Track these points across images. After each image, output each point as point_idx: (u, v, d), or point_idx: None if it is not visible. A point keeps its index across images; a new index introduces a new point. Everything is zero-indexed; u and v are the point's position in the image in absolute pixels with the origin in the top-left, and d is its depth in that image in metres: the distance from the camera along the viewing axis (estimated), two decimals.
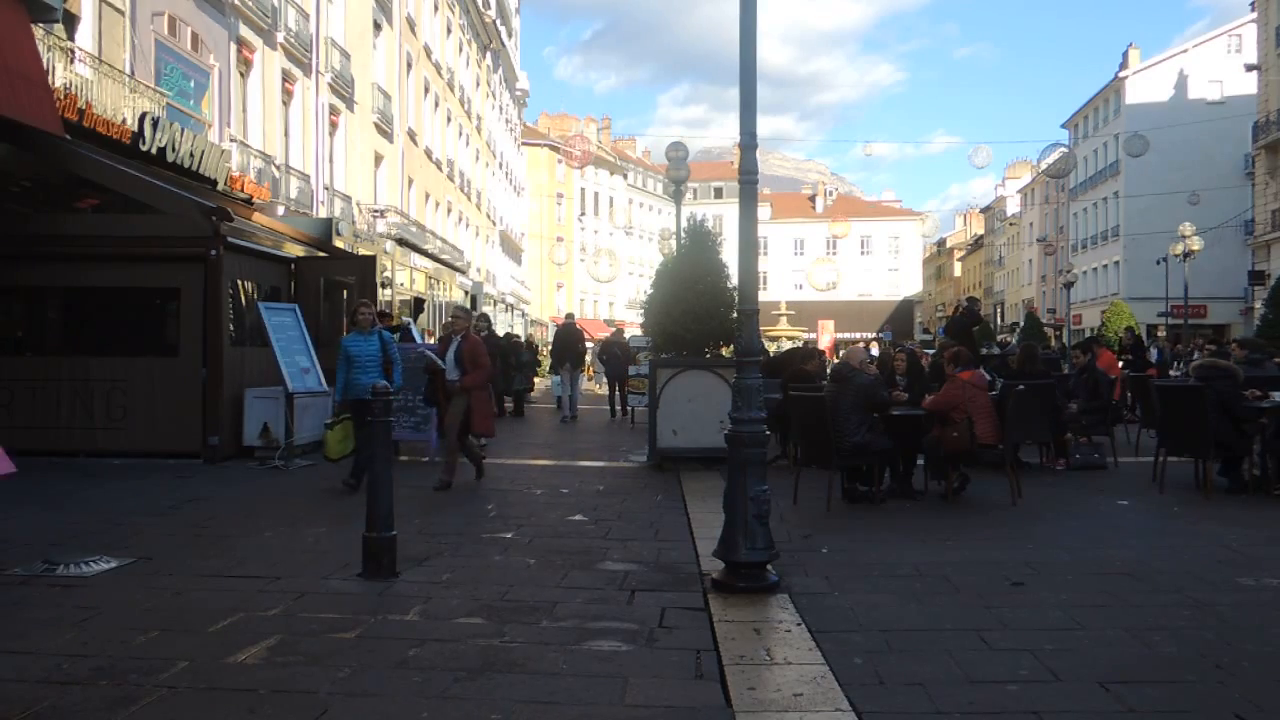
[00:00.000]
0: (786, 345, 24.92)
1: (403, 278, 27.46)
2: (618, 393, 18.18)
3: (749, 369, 5.42)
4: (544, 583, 5.36)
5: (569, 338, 18.84)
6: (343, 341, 9.03)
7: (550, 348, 24.74)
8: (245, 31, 18.93)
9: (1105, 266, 54.95)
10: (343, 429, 8.67)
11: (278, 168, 20.24)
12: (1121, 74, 52.65)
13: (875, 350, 20.95)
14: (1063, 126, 63.23)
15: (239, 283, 11.34)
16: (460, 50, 38.07)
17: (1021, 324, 53.56)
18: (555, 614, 4.73)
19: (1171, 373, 18.12)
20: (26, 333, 11.89)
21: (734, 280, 9.93)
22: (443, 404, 9.08)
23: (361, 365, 8.68)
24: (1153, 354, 21.55)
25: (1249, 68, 41.59)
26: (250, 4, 18.71)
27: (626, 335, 22.34)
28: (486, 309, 37.46)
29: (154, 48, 15.43)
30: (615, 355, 18.54)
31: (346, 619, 4.60)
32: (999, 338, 41.11)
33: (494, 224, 47.30)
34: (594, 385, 26.20)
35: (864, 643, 4.32)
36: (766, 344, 22.84)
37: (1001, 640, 4.36)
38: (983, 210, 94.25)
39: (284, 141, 21.32)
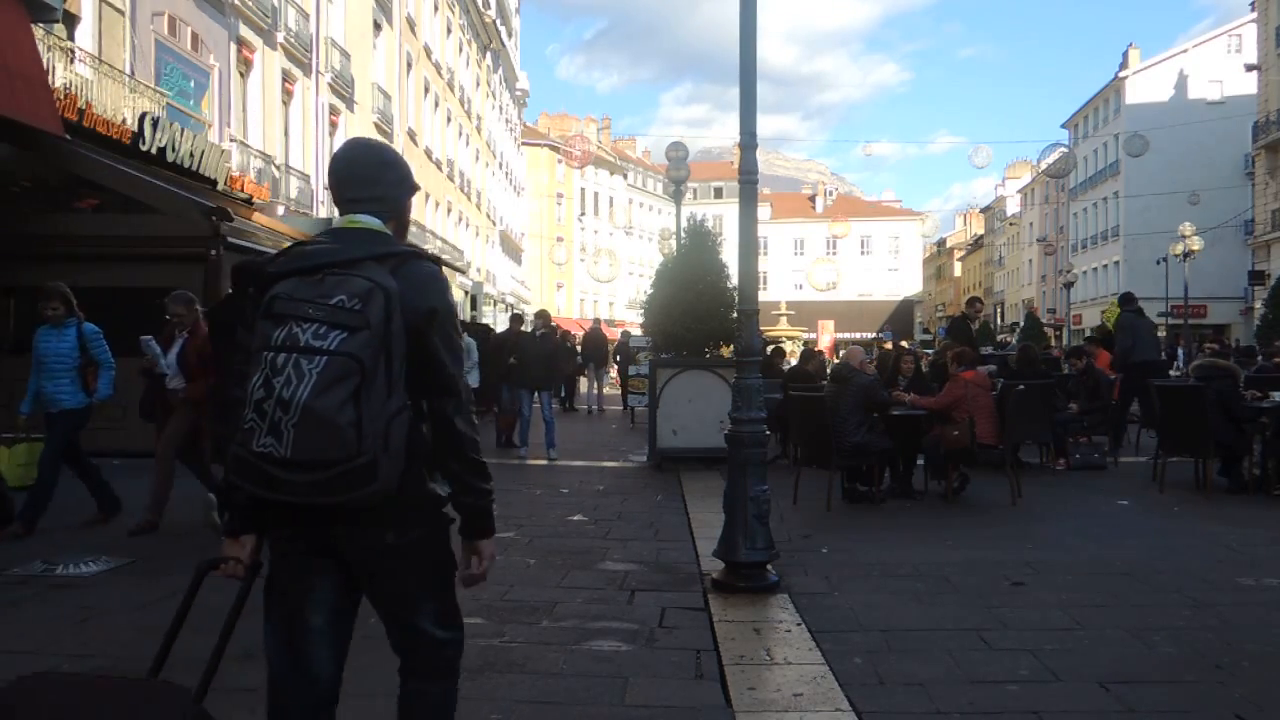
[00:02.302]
0: (787, 345, 24.92)
1: None
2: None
3: (749, 369, 5.42)
4: (544, 583, 5.36)
5: (598, 340, 20.63)
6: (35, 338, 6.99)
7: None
8: (245, 31, 18.92)
9: (1105, 266, 54.95)
10: (26, 450, 6.91)
11: (278, 168, 20.24)
12: (1121, 74, 52.66)
13: (904, 345, 21.19)
14: (1063, 126, 63.28)
15: None
16: (460, 50, 38.07)
17: (1021, 324, 53.60)
18: (555, 614, 4.73)
19: (1171, 373, 18.12)
20: (27, 333, 11.88)
21: (734, 280, 9.93)
22: (161, 418, 6.95)
23: (50, 369, 6.68)
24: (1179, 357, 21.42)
25: (1249, 68, 41.61)
26: (250, 4, 18.71)
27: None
28: (486, 309, 37.49)
29: (154, 48, 15.43)
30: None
31: None
32: (999, 338, 41.12)
33: (494, 224, 47.30)
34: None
35: (864, 643, 4.32)
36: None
37: (1001, 640, 4.36)
38: (983, 210, 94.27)
39: (284, 141, 21.32)
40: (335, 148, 16.56)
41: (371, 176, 2.25)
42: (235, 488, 2.05)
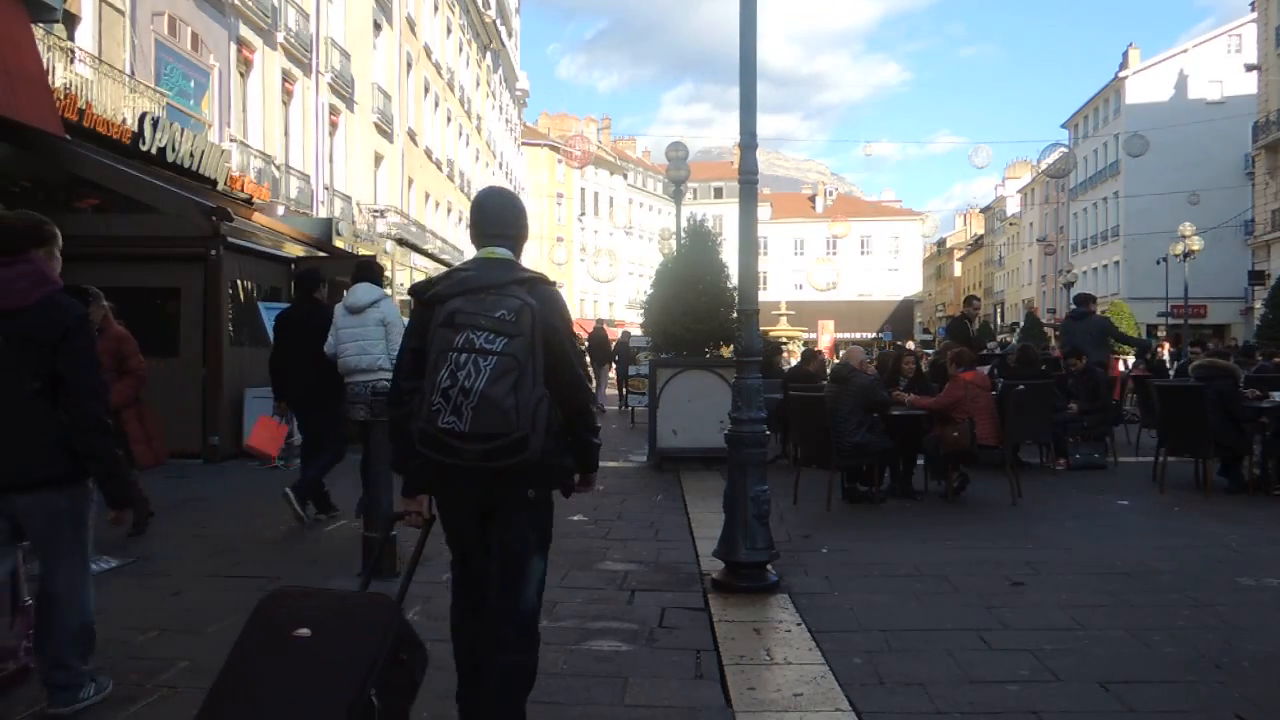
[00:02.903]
0: (786, 344, 24.96)
1: (403, 278, 27.46)
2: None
3: (749, 369, 5.42)
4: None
5: (601, 340, 21.39)
6: None
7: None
8: (245, 31, 18.93)
9: (1105, 266, 54.96)
10: None
11: (278, 168, 20.24)
12: (1121, 74, 52.67)
13: (910, 345, 21.32)
14: (1063, 126, 63.27)
15: (239, 283, 11.34)
16: (460, 50, 38.07)
17: (1021, 324, 53.58)
18: (555, 614, 4.72)
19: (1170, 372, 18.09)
20: None
21: (734, 280, 9.93)
22: None
23: None
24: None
25: (1249, 68, 41.61)
26: (250, 4, 18.71)
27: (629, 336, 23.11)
28: None
29: (154, 48, 15.43)
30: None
31: None
32: (999, 337, 41.09)
33: None
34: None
35: (864, 643, 4.32)
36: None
37: (1001, 640, 4.36)
38: (983, 210, 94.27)
39: (284, 141, 21.32)
40: (336, 148, 16.52)
41: (510, 220, 3.01)
42: (411, 458, 2.77)
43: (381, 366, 6.65)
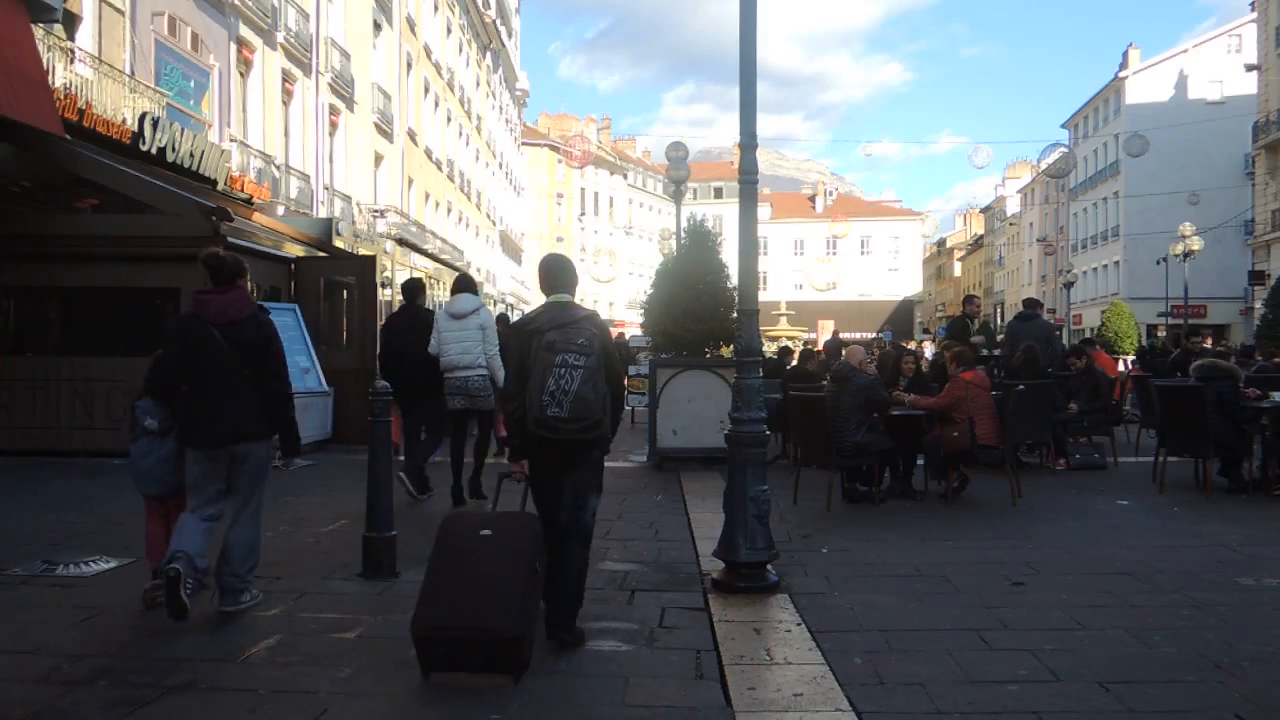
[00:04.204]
0: (790, 344, 24.96)
1: (403, 277, 27.47)
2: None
3: (749, 369, 5.42)
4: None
5: None
6: None
7: None
8: (245, 31, 18.93)
9: (1105, 266, 54.95)
10: None
11: (278, 168, 20.24)
12: (1121, 74, 52.64)
13: (928, 348, 21.36)
14: (1063, 126, 63.25)
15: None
16: (460, 50, 38.06)
17: None
18: None
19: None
20: (26, 333, 11.89)
21: (734, 280, 9.92)
22: None
23: None
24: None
25: (1249, 68, 41.58)
26: (250, 4, 18.72)
27: (627, 335, 22.93)
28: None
29: (154, 48, 15.43)
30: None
31: (346, 619, 4.60)
32: (999, 337, 41.01)
33: (494, 224, 47.29)
34: None
35: (864, 643, 4.32)
36: (766, 344, 22.93)
37: (1001, 640, 4.36)
38: (983, 210, 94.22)
39: (284, 141, 21.32)
40: (336, 148, 16.51)
41: (568, 274, 4.49)
42: (518, 436, 4.22)
43: (479, 364, 7.67)
